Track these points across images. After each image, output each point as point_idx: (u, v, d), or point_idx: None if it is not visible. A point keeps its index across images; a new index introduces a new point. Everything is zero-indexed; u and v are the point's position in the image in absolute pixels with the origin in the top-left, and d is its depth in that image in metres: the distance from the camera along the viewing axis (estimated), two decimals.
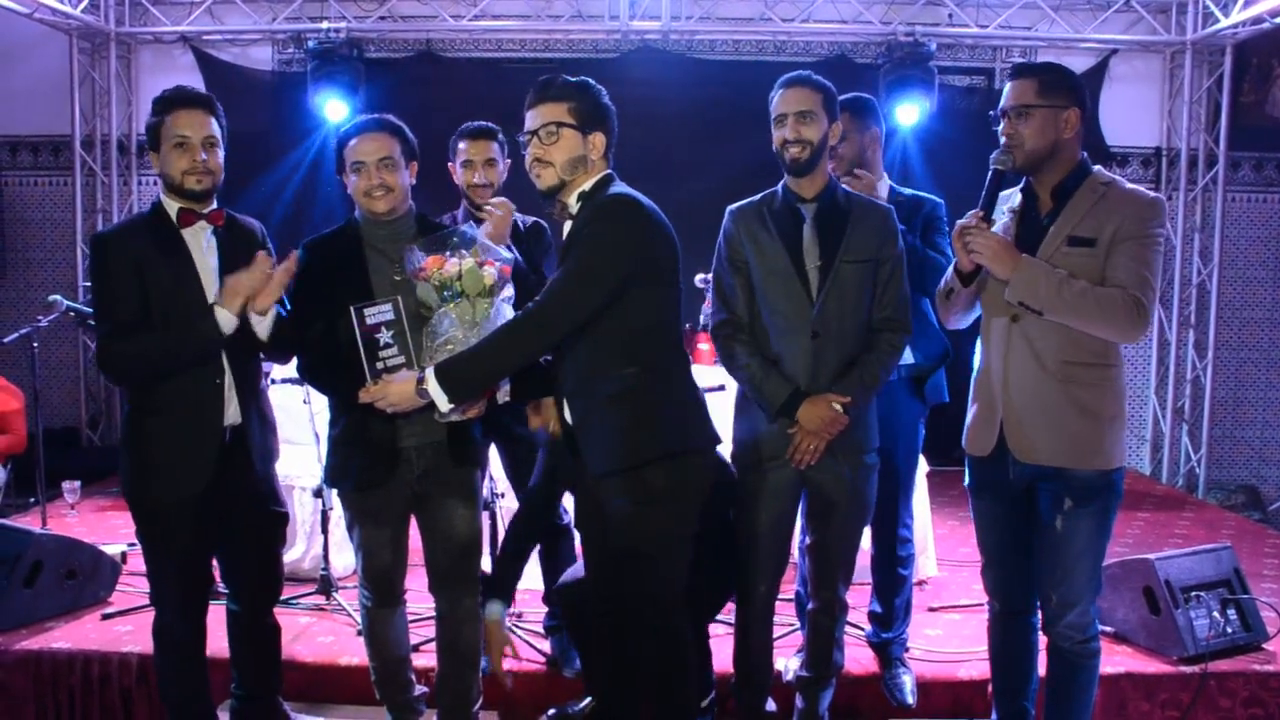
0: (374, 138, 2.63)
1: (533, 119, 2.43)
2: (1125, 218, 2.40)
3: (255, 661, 2.89)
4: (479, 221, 3.18)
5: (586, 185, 2.43)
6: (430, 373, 2.36)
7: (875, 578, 3.28)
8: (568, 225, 2.46)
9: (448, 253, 2.50)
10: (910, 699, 3.13)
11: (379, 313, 2.51)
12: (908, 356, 3.06)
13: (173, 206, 2.63)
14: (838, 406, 2.59)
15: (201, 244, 2.63)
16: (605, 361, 2.41)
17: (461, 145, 3.22)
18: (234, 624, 2.86)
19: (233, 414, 2.66)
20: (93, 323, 2.68)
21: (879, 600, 3.28)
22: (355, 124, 2.69)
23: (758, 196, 2.77)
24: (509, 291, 2.57)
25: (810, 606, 2.82)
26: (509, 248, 2.73)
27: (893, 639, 3.25)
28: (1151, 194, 2.48)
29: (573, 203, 2.44)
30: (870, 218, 2.68)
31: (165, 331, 2.56)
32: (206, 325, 2.53)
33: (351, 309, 2.51)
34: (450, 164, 3.26)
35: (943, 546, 4.50)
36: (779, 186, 2.72)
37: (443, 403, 2.36)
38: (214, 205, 2.68)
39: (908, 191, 3.20)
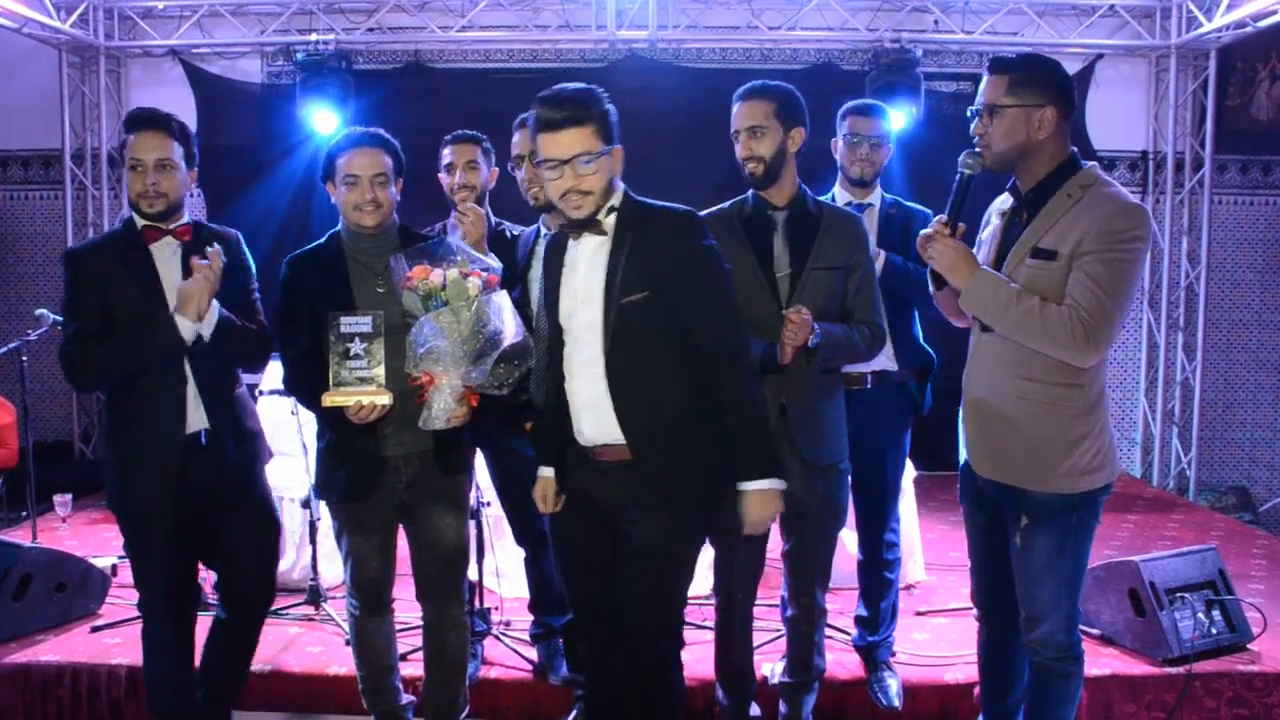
0: (368, 153, 2.65)
1: (559, 147, 2.23)
2: (1089, 230, 2.22)
3: (226, 671, 2.88)
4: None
5: (616, 200, 2.35)
6: None
7: (861, 581, 3.30)
8: (588, 241, 2.33)
9: (433, 263, 2.53)
10: (896, 702, 3.14)
11: (356, 324, 2.55)
12: (891, 364, 3.08)
13: (139, 222, 2.68)
14: (806, 313, 2.52)
15: (166, 257, 2.67)
16: (679, 381, 2.33)
17: (445, 150, 3.26)
18: (218, 631, 2.86)
19: (199, 421, 2.68)
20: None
21: (865, 604, 3.29)
22: (349, 137, 2.71)
23: (728, 204, 2.78)
24: (498, 300, 2.59)
25: (789, 613, 2.83)
26: (492, 256, 2.74)
27: (879, 642, 3.26)
28: (1129, 200, 2.25)
29: (604, 217, 2.32)
30: (841, 225, 2.69)
31: (127, 340, 2.62)
32: (168, 334, 2.57)
33: (330, 314, 2.55)
34: (440, 174, 3.29)
35: (931, 551, 4.51)
36: (749, 193, 2.73)
37: None
38: (183, 220, 2.71)
39: (891, 198, 3.24)
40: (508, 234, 3.26)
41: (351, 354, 2.55)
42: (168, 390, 2.65)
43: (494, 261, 2.67)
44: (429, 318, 2.48)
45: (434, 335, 2.48)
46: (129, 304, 2.61)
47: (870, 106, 3.23)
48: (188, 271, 2.63)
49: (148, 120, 2.65)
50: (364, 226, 2.66)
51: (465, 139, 3.25)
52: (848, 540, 3.46)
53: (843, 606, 3.51)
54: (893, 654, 3.33)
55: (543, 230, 2.95)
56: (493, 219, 3.28)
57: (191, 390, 2.67)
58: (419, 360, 2.49)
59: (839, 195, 3.23)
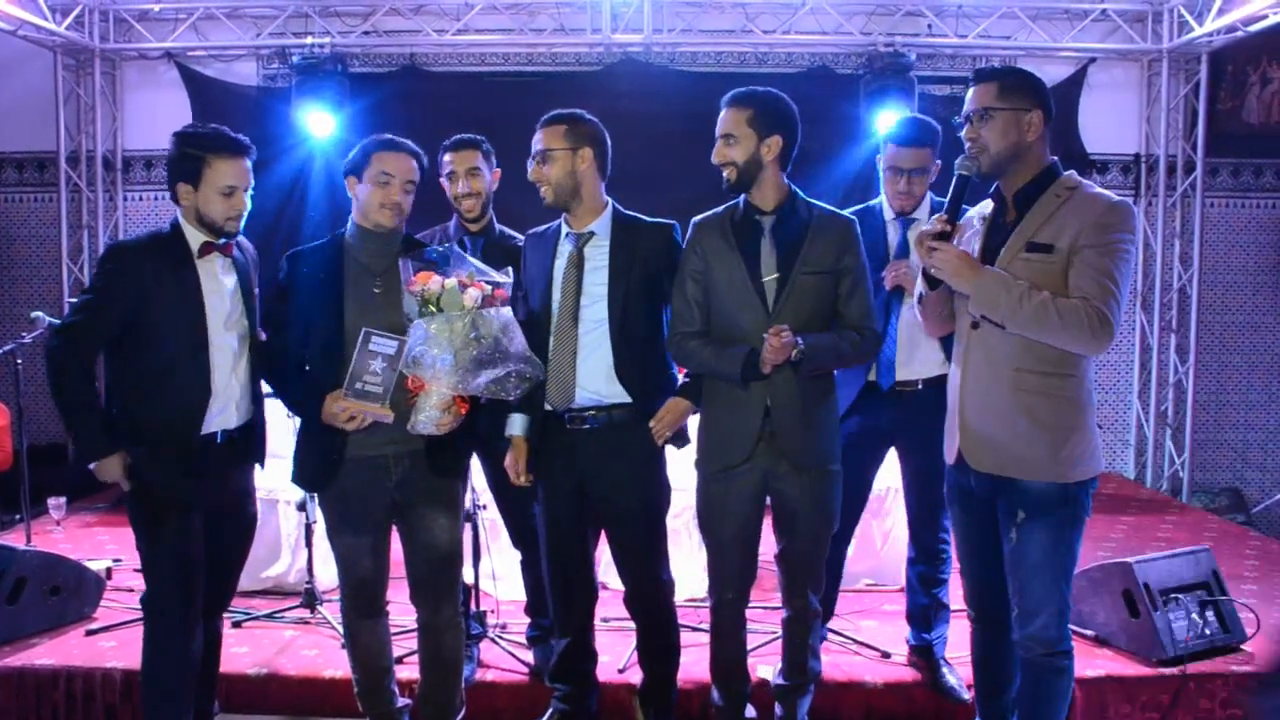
0: (405, 159, 2.73)
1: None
2: (1085, 224, 2.34)
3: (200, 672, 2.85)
4: (469, 233, 3.20)
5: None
6: None
7: (910, 576, 3.28)
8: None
9: (439, 271, 2.56)
10: (966, 696, 3.12)
11: (384, 345, 2.59)
12: (944, 368, 2.96)
13: (196, 237, 2.70)
14: (787, 334, 2.54)
15: (216, 269, 2.73)
16: None
17: (445, 157, 3.24)
18: None
19: (223, 421, 2.73)
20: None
21: (920, 600, 3.25)
22: (390, 139, 2.77)
23: (721, 208, 2.79)
24: (506, 313, 2.60)
25: (784, 615, 2.83)
26: (506, 271, 2.73)
27: (933, 640, 3.24)
28: (1116, 198, 2.40)
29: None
30: (831, 229, 2.69)
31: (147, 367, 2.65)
32: (101, 443, 2.65)
33: (364, 330, 2.58)
34: (440, 178, 3.28)
35: None
36: (741, 198, 2.74)
37: None
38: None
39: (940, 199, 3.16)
40: (517, 242, 3.24)
41: (370, 370, 2.59)
42: (195, 390, 2.68)
43: (503, 276, 2.67)
44: (421, 323, 2.51)
45: (424, 341, 2.51)
46: (168, 310, 2.63)
47: (911, 135, 3.06)
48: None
49: (239, 147, 2.69)
50: (382, 225, 2.71)
51: (465, 144, 3.22)
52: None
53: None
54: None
55: (564, 230, 2.83)
56: (496, 228, 3.27)
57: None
58: (408, 365, 2.51)
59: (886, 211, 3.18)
